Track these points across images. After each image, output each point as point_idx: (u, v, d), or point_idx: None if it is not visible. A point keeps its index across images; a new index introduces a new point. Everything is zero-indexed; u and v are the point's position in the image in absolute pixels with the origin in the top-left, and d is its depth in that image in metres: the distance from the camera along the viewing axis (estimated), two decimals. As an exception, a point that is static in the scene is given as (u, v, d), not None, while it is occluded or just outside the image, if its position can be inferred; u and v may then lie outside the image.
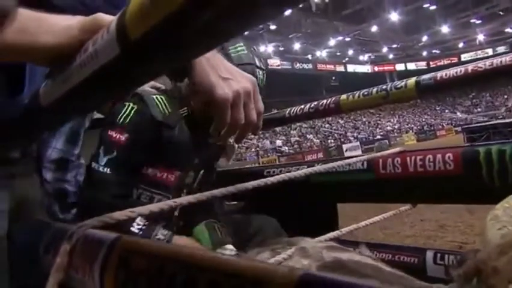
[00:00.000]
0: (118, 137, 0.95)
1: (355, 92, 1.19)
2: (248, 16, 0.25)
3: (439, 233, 3.22)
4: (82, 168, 1.02)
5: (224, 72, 0.61)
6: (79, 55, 0.37)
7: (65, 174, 0.98)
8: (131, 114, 0.97)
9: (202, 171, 1.15)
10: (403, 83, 1.09)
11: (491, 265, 0.41)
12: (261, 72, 1.06)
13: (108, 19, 0.35)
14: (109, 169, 0.93)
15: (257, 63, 1.05)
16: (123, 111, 0.97)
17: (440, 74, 1.04)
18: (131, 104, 0.98)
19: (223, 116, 0.60)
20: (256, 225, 1.17)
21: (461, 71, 1.01)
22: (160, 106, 1.01)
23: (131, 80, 0.34)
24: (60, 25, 0.39)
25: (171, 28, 0.26)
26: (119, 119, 0.96)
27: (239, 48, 1.04)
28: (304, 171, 0.81)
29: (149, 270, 0.32)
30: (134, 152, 0.97)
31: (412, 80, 1.08)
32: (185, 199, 0.59)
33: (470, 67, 0.99)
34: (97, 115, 1.49)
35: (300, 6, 21.56)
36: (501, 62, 0.92)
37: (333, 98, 1.26)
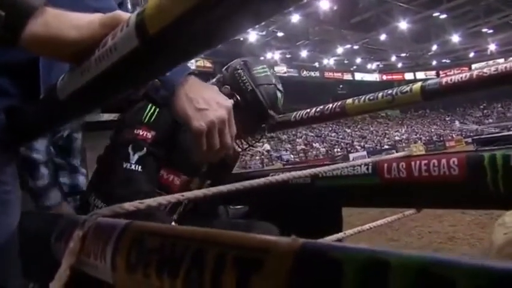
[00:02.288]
0: (145, 134, 0.99)
1: (361, 96, 1.22)
2: (259, 10, 0.28)
3: (447, 245, 3.19)
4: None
5: (201, 103, 0.67)
6: (98, 49, 0.40)
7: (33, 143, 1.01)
8: (156, 113, 1.02)
9: (209, 182, 1.19)
10: (408, 88, 1.12)
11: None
12: (279, 93, 1.16)
13: (127, 16, 0.38)
14: (140, 166, 0.97)
15: (278, 85, 1.16)
16: (147, 111, 1.02)
17: (445, 79, 1.06)
18: None
19: (199, 144, 0.67)
20: (257, 233, 1.20)
21: (466, 76, 1.03)
22: None
23: (148, 73, 0.37)
24: (82, 20, 0.42)
25: (188, 23, 0.30)
26: (144, 118, 1.01)
27: (262, 71, 1.15)
28: (308, 171, 0.84)
29: (160, 248, 0.35)
30: (159, 150, 1.01)
31: (418, 85, 1.11)
32: (193, 193, 0.62)
33: (475, 72, 1.02)
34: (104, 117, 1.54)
35: (308, 13, 21.71)
36: (506, 68, 0.94)
37: (339, 102, 1.29)
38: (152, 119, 1.01)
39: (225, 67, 1.21)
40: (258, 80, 1.12)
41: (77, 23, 0.42)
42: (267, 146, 19.70)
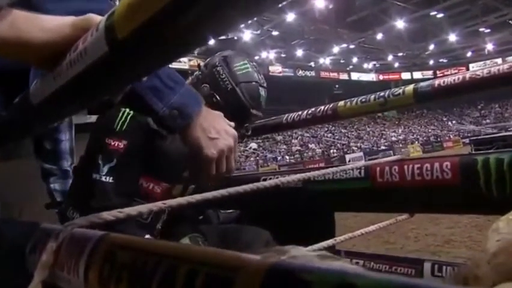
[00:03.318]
0: (116, 144, 0.96)
1: (353, 99, 1.22)
2: (230, 15, 0.27)
3: (445, 248, 3.21)
4: None
5: (213, 133, 0.74)
6: (69, 53, 0.39)
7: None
8: (128, 121, 0.98)
9: (192, 187, 1.16)
10: (401, 90, 1.12)
11: (473, 273, 0.44)
12: (262, 90, 1.13)
13: (99, 19, 0.37)
14: (111, 178, 0.94)
15: (260, 81, 1.12)
16: (119, 118, 0.98)
17: (438, 81, 1.07)
18: (127, 110, 0.99)
19: (209, 170, 0.74)
20: (247, 239, 1.18)
21: (458, 79, 1.03)
22: None
23: (119, 78, 0.36)
24: (52, 24, 0.41)
25: (157, 27, 0.29)
26: (116, 126, 0.97)
27: (243, 67, 1.10)
28: (298, 176, 0.83)
29: (132, 264, 0.34)
30: (133, 159, 0.98)
31: (410, 87, 1.11)
32: (175, 201, 0.61)
33: (467, 75, 1.02)
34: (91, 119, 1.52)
35: (303, 12, 21.78)
36: (498, 70, 0.94)
37: (331, 105, 1.29)
38: (124, 127, 0.97)
39: (204, 63, 1.16)
40: (238, 78, 1.07)
41: (47, 25, 0.41)
42: (253, 145, 19.72)
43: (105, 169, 0.94)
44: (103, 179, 0.93)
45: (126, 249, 0.37)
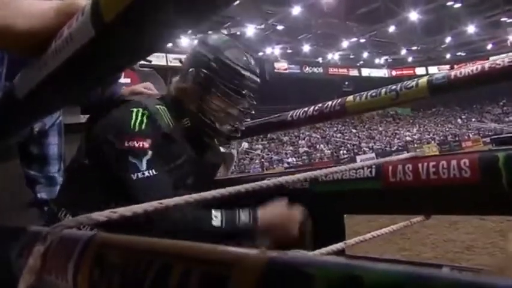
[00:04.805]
0: (141, 144, 0.97)
1: (362, 93, 1.21)
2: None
3: (465, 255, 3.18)
4: None
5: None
6: (55, 40, 0.39)
7: None
8: (145, 120, 1.00)
9: (188, 181, 1.17)
10: (414, 83, 1.11)
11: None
12: (247, 54, 1.16)
13: (84, 3, 0.37)
14: (153, 170, 0.95)
15: (240, 47, 1.17)
16: (134, 119, 0.99)
17: (454, 73, 1.06)
18: (141, 110, 1.02)
19: None
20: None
21: (477, 69, 1.02)
22: (165, 118, 1.06)
23: (108, 63, 0.36)
24: (36, 8, 0.41)
25: (145, 8, 0.29)
26: (133, 127, 0.98)
27: (218, 38, 1.16)
28: (304, 175, 0.83)
29: (124, 264, 0.33)
30: (160, 153, 1.00)
31: (424, 79, 1.10)
32: (172, 201, 0.61)
33: (487, 64, 1.01)
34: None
35: (310, 5, 21.75)
36: (520, 58, 0.93)
37: (339, 100, 1.28)
38: (143, 126, 0.99)
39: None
40: (219, 47, 1.11)
41: (28, 11, 0.41)
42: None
43: (144, 164, 0.94)
44: (146, 174, 0.94)
45: (117, 249, 0.36)
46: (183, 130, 1.10)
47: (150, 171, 0.94)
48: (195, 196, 0.62)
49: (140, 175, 0.94)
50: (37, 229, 0.56)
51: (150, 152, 0.97)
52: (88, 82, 0.40)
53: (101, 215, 0.53)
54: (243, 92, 1.11)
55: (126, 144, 0.96)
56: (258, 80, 1.15)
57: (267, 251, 0.24)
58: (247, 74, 1.10)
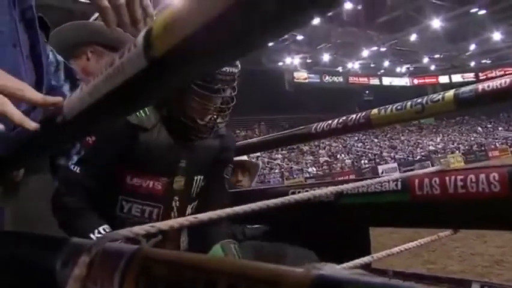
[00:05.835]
0: (88, 139, 1.10)
1: (387, 106, 1.21)
2: (269, 28, 0.29)
3: (494, 269, 3.08)
4: None
5: None
6: (105, 68, 0.43)
7: None
8: None
9: (200, 177, 1.18)
10: (440, 96, 1.11)
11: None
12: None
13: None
14: (78, 168, 1.05)
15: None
16: None
17: (481, 86, 1.05)
18: None
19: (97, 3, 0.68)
20: (290, 259, 1.19)
21: (506, 82, 1.02)
22: None
23: (154, 94, 0.39)
24: None
25: (196, 44, 0.31)
26: None
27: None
28: (331, 189, 0.84)
29: (170, 277, 0.36)
30: (103, 155, 1.07)
31: (450, 93, 1.10)
32: (206, 215, 0.63)
33: (516, 77, 1.00)
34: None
35: (330, 14, 21.75)
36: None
37: (363, 113, 1.29)
38: None
39: None
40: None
41: None
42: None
43: (75, 158, 1.09)
44: (71, 167, 1.06)
45: (162, 262, 0.39)
46: (159, 120, 1.11)
47: (75, 168, 1.05)
48: (228, 211, 0.64)
49: (69, 164, 1.08)
50: (80, 241, 0.60)
51: (85, 152, 1.10)
52: (132, 109, 0.43)
53: (141, 229, 0.56)
54: (215, 88, 1.06)
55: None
56: (235, 69, 1.07)
57: (312, 269, 0.26)
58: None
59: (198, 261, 0.35)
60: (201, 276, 0.33)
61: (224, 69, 1.04)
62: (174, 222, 0.58)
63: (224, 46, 0.31)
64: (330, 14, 21.30)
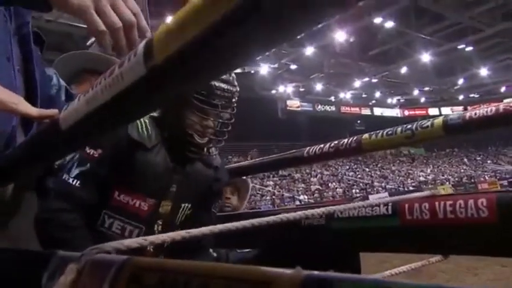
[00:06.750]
0: (91, 152, 1.05)
1: (378, 131, 1.24)
2: (268, 37, 0.30)
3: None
4: None
5: None
6: (104, 78, 0.44)
7: None
8: None
9: (188, 205, 1.18)
10: (429, 122, 1.14)
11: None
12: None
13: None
14: (78, 182, 1.02)
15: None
16: None
17: (469, 113, 1.08)
18: None
19: (90, 24, 0.63)
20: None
21: (491, 110, 1.05)
22: (139, 126, 1.10)
23: (153, 102, 0.40)
24: None
25: (196, 52, 0.33)
26: None
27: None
28: (322, 209, 0.84)
29: (161, 285, 0.36)
30: (105, 168, 1.05)
31: (439, 119, 1.13)
32: (198, 231, 0.62)
33: (501, 106, 1.04)
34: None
35: (323, 46, 22.33)
36: (534, 101, 0.96)
37: (355, 138, 1.31)
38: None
39: None
40: None
41: None
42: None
43: (75, 172, 1.03)
44: (71, 181, 1.03)
45: (153, 270, 0.39)
46: (160, 141, 1.12)
47: (75, 181, 1.03)
48: (220, 227, 0.64)
49: (67, 178, 1.03)
50: (68, 253, 0.59)
51: (88, 165, 1.04)
52: (130, 118, 0.44)
53: (133, 242, 0.55)
54: (214, 102, 1.09)
55: (84, 149, 1.05)
56: (233, 88, 1.12)
57: (302, 270, 0.26)
58: (215, 83, 1.09)
59: (189, 267, 0.35)
60: (193, 281, 0.33)
61: (222, 86, 1.08)
62: (166, 236, 0.58)
63: (224, 54, 0.32)
64: (323, 45, 21.86)
